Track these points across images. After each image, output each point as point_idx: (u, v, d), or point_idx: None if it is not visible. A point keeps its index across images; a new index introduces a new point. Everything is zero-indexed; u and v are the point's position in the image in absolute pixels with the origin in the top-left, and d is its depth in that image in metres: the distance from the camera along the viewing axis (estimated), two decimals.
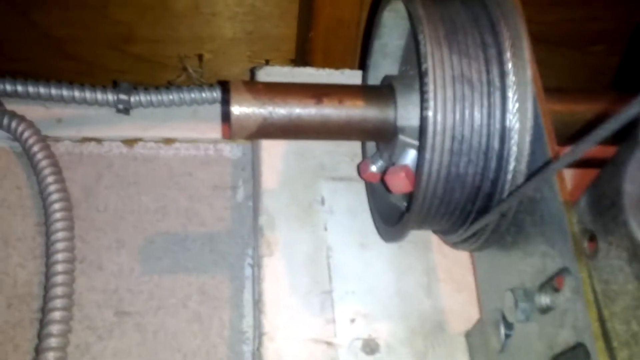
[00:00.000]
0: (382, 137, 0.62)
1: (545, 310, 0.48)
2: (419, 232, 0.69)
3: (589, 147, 0.41)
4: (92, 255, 0.71)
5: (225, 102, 0.59)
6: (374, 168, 0.64)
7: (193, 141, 0.81)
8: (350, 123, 0.60)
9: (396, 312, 0.65)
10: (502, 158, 0.53)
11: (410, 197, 0.60)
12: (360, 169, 0.65)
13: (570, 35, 0.95)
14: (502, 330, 0.55)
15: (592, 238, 0.44)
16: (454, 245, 0.61)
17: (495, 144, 0.53)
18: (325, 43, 0.88)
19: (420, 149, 0.53)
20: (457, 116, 0.52)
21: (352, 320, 0.64)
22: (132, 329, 0.67)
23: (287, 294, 0.65)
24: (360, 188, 0.73)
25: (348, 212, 0.71)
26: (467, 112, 0.52)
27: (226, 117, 0.59)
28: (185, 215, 0.76)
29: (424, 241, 0.70)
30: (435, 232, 0.65)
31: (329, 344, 0.62)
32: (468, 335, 0.64)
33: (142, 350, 0.66)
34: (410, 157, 0.60)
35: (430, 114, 0.51)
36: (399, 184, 0.56)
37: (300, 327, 0.63)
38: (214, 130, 0.81)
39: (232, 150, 0.82)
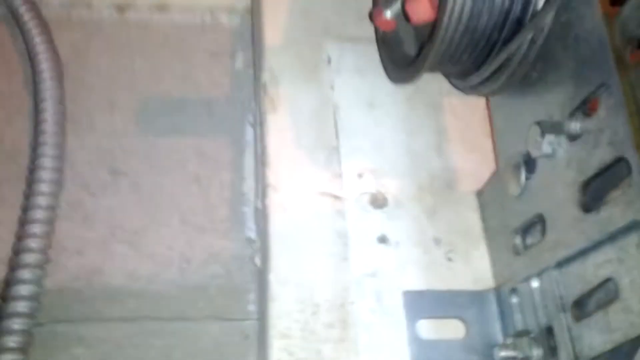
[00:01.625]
0: None
1: (575, 137, 0.46)
2: (431, 93, 0.66)
3: None
4: (83, 115, 0.67)
5: None
6: (388, 13, 0.60)
7: (189, 8, 0.76)
8: None
9: (405, 169, 0.62)
10: None
11: (427, 36, 0.56)
12: (374, 16, 0.61)
13: None
14: (523, 173, 0.52)
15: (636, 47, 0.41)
16: (471, 89, 0.58)
17: None
18: None
19: None
20: None
21: (360, 175, 0.61)
22: (128, 188, 0.64)
23: (292, 148, 0.61)
24: (368, 49, 0.68)
25: (356, 71, 0.67)
26: None
27: None
28: (181, 80, 0.71)
29: (435, 103, 0.66)
30: (450, 76, 0.61)
31: (335, 197, 0.59)
32: (480, 193, 0.61)
33: (138, 208, 0.63)
34: None
35: None
36: (422, 10, 0.52)
37: (306, 180, 0.59)
38: None
39: (230, 17, 0.77)
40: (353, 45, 0.69)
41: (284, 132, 0.62)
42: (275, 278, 0.54)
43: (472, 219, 0.59)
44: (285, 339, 0.51)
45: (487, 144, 0.63)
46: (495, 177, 0.59)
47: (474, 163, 0.63)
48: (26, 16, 0.68)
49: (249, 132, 0.69)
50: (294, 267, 0.55)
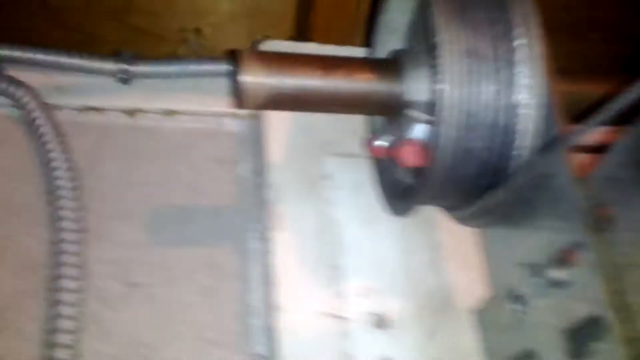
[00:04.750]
0: (390, 111, 0.63)
1: (557, 284, 0.50)
2: (425, 209, 0.70)
3: (596, 125, 0.43)
4: (99, 225, 0.71)
5: (234, 72, 0.59)
6: (379, 143, 0.65)
7: (195, 114, 0.81)
8: (359, 96, 0.61)
9: (405, 287, 0.66)
10: (513, 133, 0.54)
11: (417, 172, 0.61)
12: (366, 144, 0.66)
13: (566, 22, 0.97)
14: (512, 306, 0.57)
15: (606, 211, 0.46)
16: (461, 221, 0.63)
17: (506, 119, 0.54)
18: (326, 19, 0.89)
19: (435, 123, 0.54)
20: (469, 90, 0.53)
21: (361, 295, 0.65)
22: (143, 300, 0.67)
23: (297, 267, 0.66)
24: (364, 164, 0.74)
25: (353, 187, 0.72)
26: (478, 86, 0.53)
27: (235, 86, 0.59)
28: (189, 188, 0.76)
29: (430, 218, 0.71)
30: (442, 208, 0.66)
31: (339, 317, 0.63)
32: (475, 312, 0.65)
33: (153, 321, 0.66)
34: (418, 131, 0.61)
35: (446, 87, 0.52)
36: (410, 158, 0.57)
37: (311, 299, 0.64)
38: (217, 103, 0.81)
39: (235, 124, 0.82)
40: (351, 162, 0.74)
41: (289, 250, 0.67)
42: None
43: (469, 339, 0.63)
44: None
45: (482, 261, 0.67)
46: (489, 302, 0.63)
47: (470, 279, 0.67)
48: (41, 121, 0.72)
49: (254, 241, 0.74)
50: None
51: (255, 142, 0.79)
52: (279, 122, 0.75)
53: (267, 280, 0.66)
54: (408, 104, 0.61)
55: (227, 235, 0.74)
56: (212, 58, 0.81)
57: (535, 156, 0.54)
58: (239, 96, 0.59)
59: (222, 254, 0.72)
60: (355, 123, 0.76)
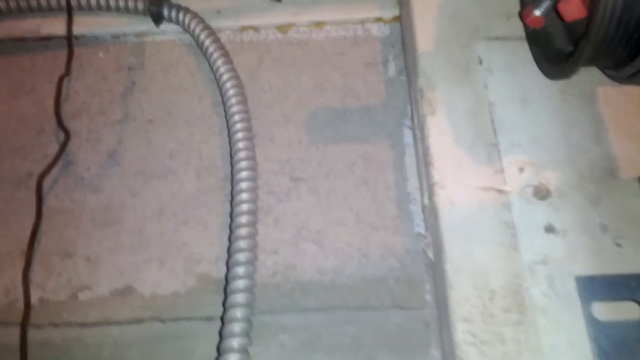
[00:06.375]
0: None
1: None
2: (583, 84, 0.68)
3: None
4: (264, 130, 0.76)
5: None
6: (537, 12, 0.63)
7: (342, 23, 0.84)
8: None
9: (565, 160, 0.65)
10: None
11: (580, 30, 0.59)
12: (524, 15, 0.64)
13: None
14: None
15: None
16: (626, 80, 0.60)
17: None
18: None
19: None
20: None
21: (521, 169, 0.64)
22: (307, 192, 0.72)
23: (453, 148, 0.66)
24: (517, 46, 0.71)
25: (507, 69, 0.71)
26: None
27: None
28: (342, 91, 0.79)
29: (589, 94, 0.68)
30: (604, 68, 0.63)
31: (499, 191, 0.63)
32: None
33: (317, 209, 0.71)
34: None
35: None
36: (574, 9, 0.55)
37: (470, 176, 0.64)
38: (362, 11, 0.83)
39: (380, 28, 0.83)
40: (502, 45, 0.72)
41: (444, 133, 0.67)
42: (451, 268, 0.59)
43: (637, 204, 0.61)
44: (467, 323, 0.56)
45: None
46: None
47: (633, 150, 0.64)
48: (209, 43, 0.79)
49: (407, 135, 0.75)
50: (467, 257, 0.60)
51: (400, 44, 0.80)
52: (425, 15, 0.74)
53: (425, 162, 0.67)
54: None
55: (381, 131, 0.76)
56: None
57: None
58: None
59: (377, 148, 0.75)
60: (504, 5, 0.74)
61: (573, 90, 0.68)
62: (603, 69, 0.64)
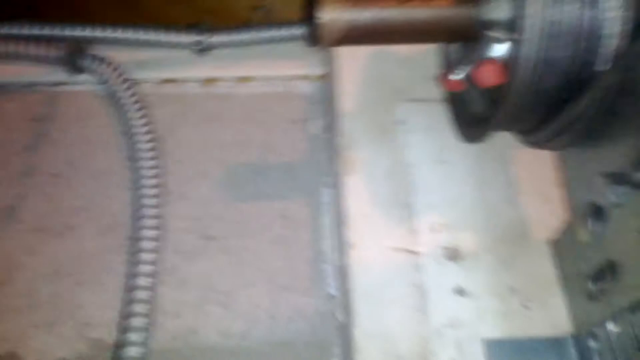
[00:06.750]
0: (469, 34, 0.60)
1: None
2: (499, 146, 0.67)
3: None
4: (178, 186, 0.73)
5: (310, 12, 0.59)
6: (455, 76, 0.63)
7: (267, 79, 0.83)
8: (437, 22, 0.60)
9: (478, 222, 0.64)
10: (598, 38, 0.51)
11: (494, 96, 0.59)
12: (442, 79, 0.64)
13: None
14: (591, 222, 0.53)
15: None
16: (540, 145, 0.59)
17: (591, 24, 0.50)
18: None
19: (515, 39, 0.51)
20: None
21: (434, 230, 0.63)
22: (218, 252, 0.69)
23: (369, 207, 0.64)
24: (437, 108, 0.71)
25: (426, 131, 0.70)
26: None
27: (312, 26, 0.59)
28: (263, 148, 0.77)
29: (505, 156, 0.68)
30: (518, 132, 0.63)
31: (411, 252, 0.61)
32: (553, 241, 0.62)
33: (228, 269, 0.67)
34: (497, 51, 0.59)
35: None
36: (490, 76, 0.55)
37: (382, 236, 0.62)
38: (288, 67, 0.83)
39: (306, 86, 0.83)
40: (423, 107, 0.72)
41: (361, 193, 0.66)
42: (359, 332, 0.56)
43: (546, 267, 0.60)
44: None
45: (558, 194, 0.64)
46: (568, 225, 0.59)
47: (546, 213, 0.64)
48: (122, 94, 0.77)
49: (326, 194, 0.74)
50: (376, 320, 0.57)
51: (325, 102, 0.79)
52: (350, 75, 0.74)
53: (339, 222, 0.65)
54: (487, 25, 0.59)
55: (300, 189, 0.74)
56: (284, 23, 0.82)
57: (622, 58, 0.50)
58: (317, 34, 0.59)
59: (295, 206, 0.72)
60: (425, 69, 0.74)
61: (489, 153, 0.68)
62: (515, 133, 0.64)
